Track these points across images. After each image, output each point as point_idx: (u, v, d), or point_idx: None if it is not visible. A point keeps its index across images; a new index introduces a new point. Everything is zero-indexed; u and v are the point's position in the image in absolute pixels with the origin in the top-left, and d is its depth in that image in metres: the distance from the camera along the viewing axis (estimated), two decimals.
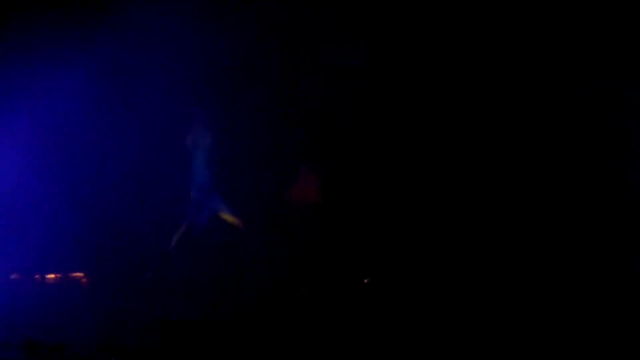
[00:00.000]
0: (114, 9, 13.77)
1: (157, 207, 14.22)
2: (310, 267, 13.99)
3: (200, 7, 13.83)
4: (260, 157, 14.10)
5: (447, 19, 13.51)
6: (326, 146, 14.07)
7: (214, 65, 14.03)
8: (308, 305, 13.50)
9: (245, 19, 13.84)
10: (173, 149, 14.27)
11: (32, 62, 13.83)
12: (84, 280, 14.27)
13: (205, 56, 13.99)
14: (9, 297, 13.26)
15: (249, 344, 12.07)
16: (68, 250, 13.97)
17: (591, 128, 13.17)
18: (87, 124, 14.15)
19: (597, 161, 13.17)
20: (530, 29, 13.25)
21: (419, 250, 13.76)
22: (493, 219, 13.57)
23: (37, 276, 14.33)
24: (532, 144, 13.52)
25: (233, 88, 14.12)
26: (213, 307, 13.30)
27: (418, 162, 13.90)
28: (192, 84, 14.00)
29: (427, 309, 12.98)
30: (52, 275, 14.36)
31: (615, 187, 13.12)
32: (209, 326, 12.57)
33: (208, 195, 14.31)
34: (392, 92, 13.84)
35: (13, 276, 14.17)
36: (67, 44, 13.71)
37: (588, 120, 13.13)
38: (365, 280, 13.67)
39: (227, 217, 14.35)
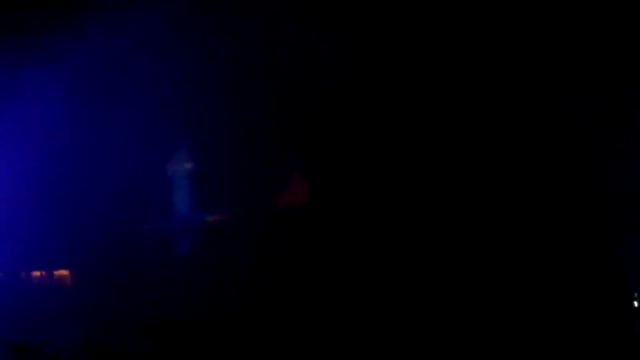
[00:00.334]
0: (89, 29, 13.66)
1: (144, 207, 14.12)
2: (298, 265, 13.90)
3: (178, 26, 13.71)
4: (249, 160, 14.00)
5: (446, 19, 13.41)
6: (313, 146, 13.96)
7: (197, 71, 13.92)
8: (296, 301, 13.51)
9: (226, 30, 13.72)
10: (159, 150, 14.16)
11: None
12: (69, 278, 14.17)
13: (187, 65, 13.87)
14: None
15: (237, 342, 12.20)
16: (53, 248, 13.83)
17: (590, 128, 13.11)
18: (71, 125, 14.06)
19: (597, 161, 13.13)
20: (528, 31, 13.16)
21: (409, 248, 13.65)
22: (488, 219, 13.48)
23: (22, 274, 14.21)
24: (527, 145, 13.46)
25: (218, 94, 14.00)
26: (200, 307, 13.22)
27: (408, 162, 13.78)
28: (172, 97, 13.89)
29: (417, 306, 13.01)
30: (37, 273, 14.26)
31: (614, 187, 13.06)
32: (196, 326, 12.67)
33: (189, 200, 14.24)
34: (383, 92, 13.72)
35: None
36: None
37: (587, 121, 13.07)
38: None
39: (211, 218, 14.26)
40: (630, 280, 12.82)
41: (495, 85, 13.13)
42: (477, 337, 12.17)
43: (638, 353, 12.04)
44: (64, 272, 14.27)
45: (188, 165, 14.22)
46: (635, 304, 12.80)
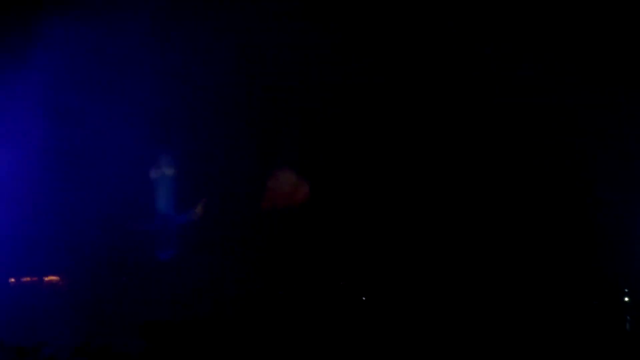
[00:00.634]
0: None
1: (139, 209, 14.11)
2: (286, 271, 13.94)
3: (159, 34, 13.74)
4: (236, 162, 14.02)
5: (443, 19, 13.51)
6: (306, 146, 13.98)
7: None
8: (285, 308, 13.49)
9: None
10: (151, 151, 14.16)
11: None
12: (60, 283, 14.08)
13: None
14: None
15: (227, 346, 12.15)
16: (50, 251, 13.80)
17: (589, 129, 13.17)
18: (62, 128, 14.01)
19: (596, 162, 13.21)
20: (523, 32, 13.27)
21: (406, 249, 13.72)
22: (483, 220, 13.57)
23: (11, 279, 14.08)
24: (520, 145, 13.52)
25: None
26: (190, 309, 13.24)
27: (405, 163, 13.86)
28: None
29: (414, 308, 13.08)
30: (27, 279, 14.15)
31: (606, 186, 13.15)
32: (187, 328, 12.53)
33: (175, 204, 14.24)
34: (377, 92, 13.79)
35: None
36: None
37: (586, 122, 13.13)
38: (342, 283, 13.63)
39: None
40: (620, 276, 12.98)
41: (494, 86, 13.19)
42: (472, 335, 12.27)
43: (628, 349, 12.14)
44: (61, 275, 14.19)
45: (180, 167, 14.20)
46: (626, 299, 12.97)
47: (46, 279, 14.09)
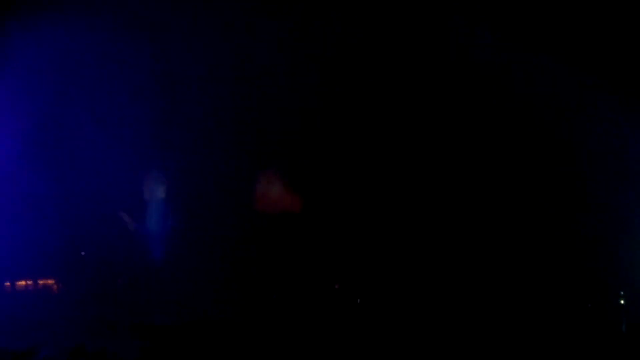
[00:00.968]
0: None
1: (128, 214, 14.02)
2: (281, 274, 13.97)
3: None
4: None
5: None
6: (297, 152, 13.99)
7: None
8: (279, 311, 13.56)
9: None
10: (145, 157, 14.12)
11: None
12: (55, 287, 14.04)
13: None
14: None
15: (222, 348, 12.04)
16: (45, 255, 13.73)
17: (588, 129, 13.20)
18: (58, 136, 14.02)
19: (588, 163, 13.26)
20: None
21: (397, 252, 13.76)
22: (479, 222, 13.63)
23: (7, 283, 14.04)
24: (516, 146, 13.60)
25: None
26: (186, 312, 13.20)
27: (396, 166, 13.89)
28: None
29: (411, 309, 13.10)
30: (22, 282, 14.11)
31: (605, 188, 13.18)
32: (189, 330, 12.52)
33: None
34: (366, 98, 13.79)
35: None
36: None
37: (586, 122, 13.18)
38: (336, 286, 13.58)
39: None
40: (617, 278, 12.99)
41: (493, 85, 13.20)
42: (471, 336, 12.23)
43: (624, 350, 12.09)
44: (57, 278, 14.15)
45: (173, 173, 14.17)
46: (622, 302, 12.95)
47: (42, 282, 14.04)
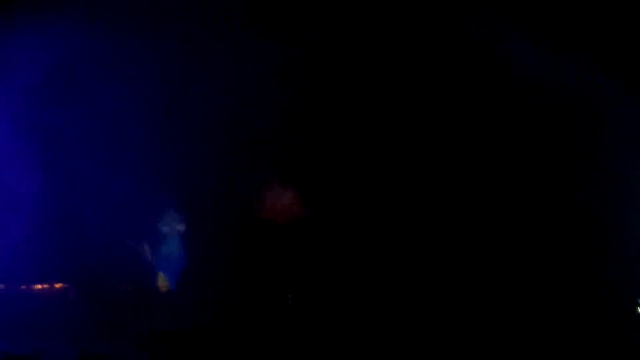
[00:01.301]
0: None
1: (140, 220, 14.06)
2: (295, 277, 13.84)
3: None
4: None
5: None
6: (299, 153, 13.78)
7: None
8: (293, 314, 13.48)
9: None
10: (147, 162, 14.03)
11: None
12: (67, 291, 14.15)
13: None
14: None
15: (231, 353, 12.16)
16: (47, 260, 13.80)
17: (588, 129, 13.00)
18: (66, 140, 13.96)
19: (603, 163, 13.03)
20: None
21: (400, 255, 13.56)
22: (486, 225, 13.37)
23: (23, 287, 14.19)
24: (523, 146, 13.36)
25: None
26: (195, 317, 13.18)
27: (396, 168, 13.67)
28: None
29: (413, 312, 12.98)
30: (38, 286, 14.25)
31: (617, 189, 12.96)
32: (191, 336, 12.56)
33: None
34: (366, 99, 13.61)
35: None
36: None
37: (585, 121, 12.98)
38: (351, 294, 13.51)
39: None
40: (633, 286, 12.69)
41: (494, 85, 13.10)
42: (478, 342, 12.15)
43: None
44: (59, 284, 14.24)
45: (176, 178, 14.14)
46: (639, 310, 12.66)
47: (44, 286, 14.15)
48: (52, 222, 13.83)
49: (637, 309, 12.67)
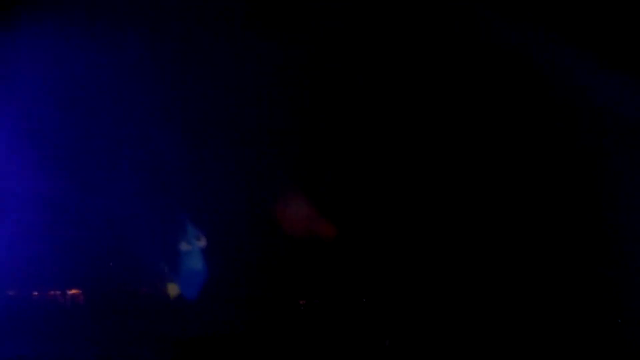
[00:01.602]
0: None
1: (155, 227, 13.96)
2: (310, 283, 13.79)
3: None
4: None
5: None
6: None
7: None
8: (307, 319, 13.44)
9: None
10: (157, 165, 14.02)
11: None
12: (81, 297, 14.13)
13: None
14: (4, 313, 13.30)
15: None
16: (55, 266, 13.83)
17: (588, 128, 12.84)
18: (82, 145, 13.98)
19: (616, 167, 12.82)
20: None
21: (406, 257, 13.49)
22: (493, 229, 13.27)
23: (35, 293, 14.17)
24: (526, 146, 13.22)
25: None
26: (210, 325, 13.10)
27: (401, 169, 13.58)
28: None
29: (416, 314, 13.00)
30: (52, 292, 14.25)
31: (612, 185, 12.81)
32: (205, 343, 12.54)
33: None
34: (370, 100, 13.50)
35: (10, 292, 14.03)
36: None
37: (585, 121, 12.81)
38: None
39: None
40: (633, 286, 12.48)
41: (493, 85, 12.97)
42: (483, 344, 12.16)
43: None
44: (67, 291, 14.19)
45: (187, 179, 14.01)
46: None
47: (57, 293, 14.13)
48: (66, 228, 13.87)
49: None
